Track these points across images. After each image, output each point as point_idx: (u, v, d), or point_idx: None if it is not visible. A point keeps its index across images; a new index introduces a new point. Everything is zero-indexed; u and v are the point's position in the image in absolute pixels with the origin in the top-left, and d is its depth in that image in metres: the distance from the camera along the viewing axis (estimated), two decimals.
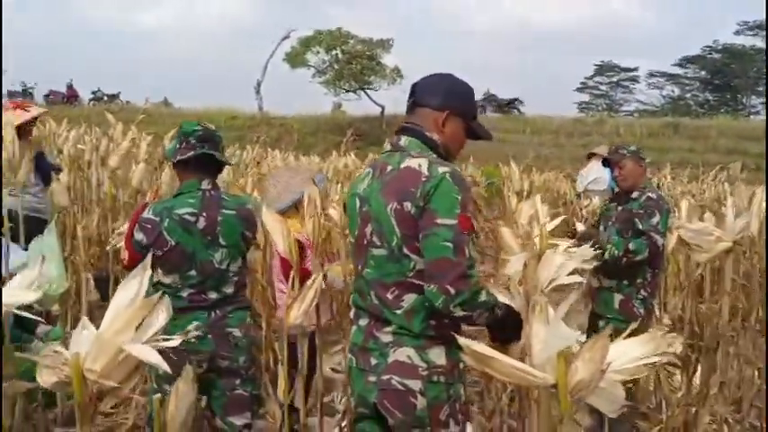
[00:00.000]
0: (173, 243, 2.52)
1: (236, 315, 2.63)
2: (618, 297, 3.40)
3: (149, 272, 1.19)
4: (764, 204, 3.65)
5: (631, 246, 3.27)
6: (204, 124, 2.74)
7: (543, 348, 1.22)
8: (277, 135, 22.70)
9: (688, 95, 46.09)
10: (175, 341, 1.14)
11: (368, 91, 26.11)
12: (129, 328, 1.09)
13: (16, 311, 1.98)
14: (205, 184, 2.62)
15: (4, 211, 3.46)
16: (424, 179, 1.81)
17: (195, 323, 2.52)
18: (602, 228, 3.58)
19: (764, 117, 24.23)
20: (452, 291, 1.75)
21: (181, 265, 2.55)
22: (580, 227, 3.19)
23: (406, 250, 1.84)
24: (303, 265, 2.64)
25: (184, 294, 2.56)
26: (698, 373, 3.19)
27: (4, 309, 1.78)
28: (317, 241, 2.51)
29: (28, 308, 2.22)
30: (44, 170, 3.77)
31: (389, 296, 1.87)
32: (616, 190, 4.04)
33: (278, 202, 3.27)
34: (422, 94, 1.98)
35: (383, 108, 25.45)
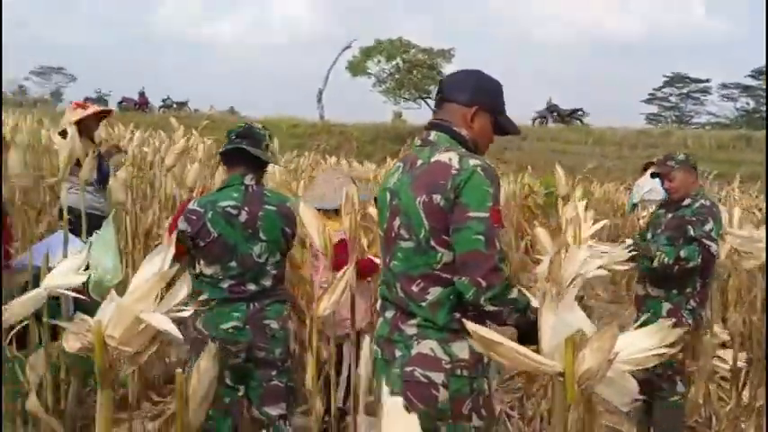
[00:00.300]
0: (215, 234, 2.62)
1: (273, 308, 2.71)
2: (666, 306, 3.32)
3: (173, 249, 1.25)
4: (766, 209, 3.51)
5: (683, 253, 3.18)
6: (251, 124, 2.85)
7: (552, 336, 1.22)
8: (337, 143, 23.03)
9: (764, 108, 44.15)
10: (188, 311, 1.19)
11: (428, 100, 26.20)
12: (148, 298, 1.15)
13: (74, 294, 2.09)
14: (248, 180, 2.72)
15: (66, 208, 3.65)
16: (454, 172, 1.82)
17: (235, 315, 2.63)
18: (649, 235, 3.49)
19: None
20: (484, 283, 1.76)
21: (222, 256, 2.65)
22: (629, 241, 3.13)
23: (433, 243, 1.85)
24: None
25: (225, 285, 2.66)
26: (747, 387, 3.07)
27: (52, 291, 1.89)
28: (353, 237, 2.56)
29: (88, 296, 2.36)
30: (103, 171, 3.96)
31: (415, 288, 1.88)
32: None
33: (322, 200, 3.35)
34: (450, 90, 2.00)
35: None
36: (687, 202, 3.32)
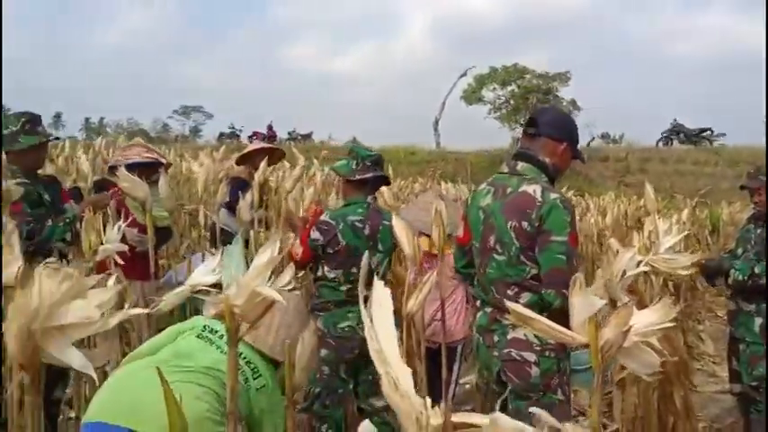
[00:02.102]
0: (343, 244, 3.09)
1: None
2: (758, 320, 3.34)
3: (279, 244, 1.65)
4: None
5: (757, 269, 3.21)
6: (372, 151, 3.35)
7: (579, 314, 1.48)
8: (453, 169, 23.34)
9: None
10: (290, 284, 1.56)
11: None
12: (263, 276, 1.55)
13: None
14: (370, 199, 3.21)
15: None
16: (538, 204, 2.26)
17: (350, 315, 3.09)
18: (739, 251, 3.52)
19: None
20: (567, 293, 2.09)
21: (346, 263, 3.08)
22: (703, 260, 3.24)
23: (522, 258, 2.30)
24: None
25: (343, 289, 3.11)
26: None
27: (194, 287, 2.38)
28: (441, 248, 2.89)
29: None
30: (232, 195, 4.54)
31: (510, 293, 2.31)
32: None
33: (415, 221, 3.71)
34: (546, 126, 2.43)
35: None
36: None
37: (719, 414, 4.40)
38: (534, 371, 2.27)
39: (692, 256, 2.48)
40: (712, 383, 4.99)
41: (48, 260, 2.02)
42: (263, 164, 4.92)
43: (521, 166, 2.40)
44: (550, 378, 2.28)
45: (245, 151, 4.85)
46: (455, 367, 3.93)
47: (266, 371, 2.04)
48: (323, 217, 3.20)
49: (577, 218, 6.47)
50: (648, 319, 1.44)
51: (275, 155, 4.91)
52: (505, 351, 2.31)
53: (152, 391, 1.44)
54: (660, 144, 25.21)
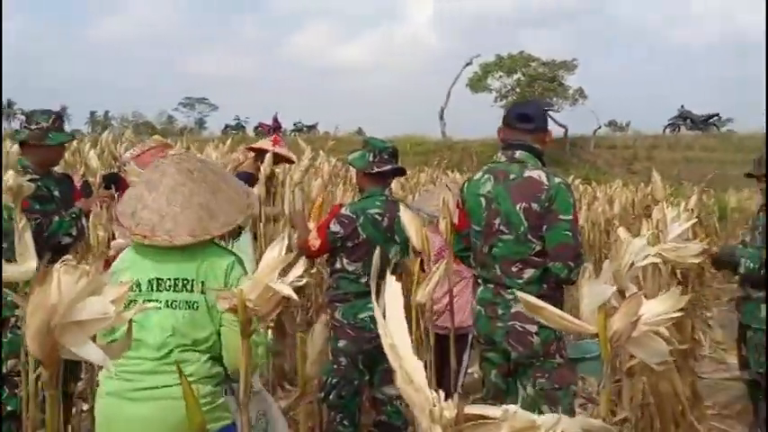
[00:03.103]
0: (363, 236, 3.13)
1: None
2: (765, 308, 3.34)
3: (287, 241, 1.66)
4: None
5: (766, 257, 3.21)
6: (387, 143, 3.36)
7: (588, 303, 1.50)
8: (459, 158, 23.33)
9: None
10: (302, 280, 1.58)
11: (550, 112, 25.89)
12: (274, 272, 1.56)
13: None
14: (387, 191, 3.24)
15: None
16: (545, 187, 2.56)
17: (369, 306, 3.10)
18: (748, 239, 3.52)
19: None
20: (572, 264, 2.48)
21: (366, 255, 3.11)
22: (715, 249, 3.24)
23: (530, 236, 2.55)
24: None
25: (363, 280, 3.14)
26: None
27: None
28: (448, 238, 2.91)
29: None
30: None
31: (514, 269, 2.58)
32: None
33: (425, 208, 3.73)
34: (541, 120, 2.80)
35: (566, 129, 25.05)
36: None
37: (728, 401, 4.41)
38: (536, 340, 2.54)
39: (702, 244, 2.48)
40: (721, 370, 5.00)
41: (61, 256, 2.04)
42: (268, 156, 4.93)
43: (519, 154, 2.65)
44: (550, 345, 2.56)
45: (261, 147, 4.77)
46: (465, 356, 3.96)
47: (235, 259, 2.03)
48: (343, 210, 3.23)
49: (585, 207, 6.47)
50: (658, 309, 1.45)
51: (284, 160, 4.88)
52: (510, 323, 2.57)
53: None
54: (667, 131, 25.09)
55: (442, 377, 3.43)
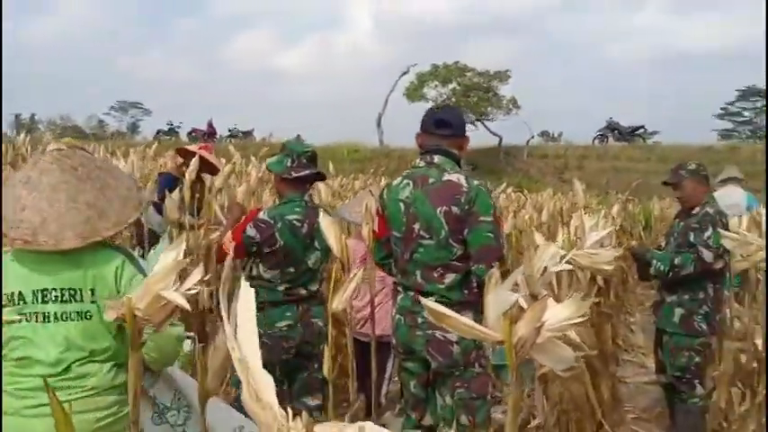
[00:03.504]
0: (281, 243, 3.00)
1: (318, 308, 3.07)
2: (679, 311, 3.43)
3: (184, 245, 1.57)
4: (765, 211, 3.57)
5: (677, 260, 3.31)
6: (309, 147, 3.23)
7: (494, 310, 1.46)
8: (396, 166, 23.40)
9: None
10: (196, 288, 1.49)
11: (485, 122, 26.35)
12: (167, 279, 1.46)
13: None
14: (306, 196, 3.12)
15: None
16: (465, 189, 2.51)
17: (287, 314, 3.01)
18: (663, 243, 3.62)
19: None
20: (495, 266, 2.35)
21: (283, 262, 3.01)
22: (633, 243, 3.32)
23: (451, 240, 2.51)
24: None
25: (281, 288, 3.03)
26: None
27: None
28: (370, 245, 2.86)
29: None
30: (160, 193, 4.38)
31: (435, 274, 2.54)
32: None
33: (351, 214, 3.67)
34: (458, 126, 2.75)
35: (501, 138, 25.55)
36: (696, 210, 3.42)
37: (648, 404, 4.52)
38: (456, 349, 2.50)
39: (616, 251, 2.51)
40: (642, 374, 5.13)
41: None
42: (194, 160, 4.77)
43: (437, 158, 2.61)
44: (470, 354, 2.53)
45: (191, 148, 4.63)
46: (389, 364, 3.92)
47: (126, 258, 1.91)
48: (260, 215, 3.09)
49: (512, 213, 6.55)
50: (561, 315, 1.43)
51: (210, 168, 4.75)
52: (430, 332, 2.52)
53: None
54: (596, 142, 25.91)
55: (364, 386, 3.37)
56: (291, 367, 3.07)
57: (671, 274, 3.32)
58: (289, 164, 3.06)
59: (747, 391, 3.23)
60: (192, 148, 4.70)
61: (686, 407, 3.46)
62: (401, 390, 2.88)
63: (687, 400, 3.45)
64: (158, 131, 27.87)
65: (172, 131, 27.31)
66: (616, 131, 25.57)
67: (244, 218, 3.27)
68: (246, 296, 0.65)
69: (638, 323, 6.79)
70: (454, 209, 2.50)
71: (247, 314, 0.64)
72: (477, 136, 27.38)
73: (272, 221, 3.00)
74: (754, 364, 3.08)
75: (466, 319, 1.49)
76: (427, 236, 2.55)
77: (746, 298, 3.78)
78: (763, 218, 3.22)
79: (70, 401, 1.75)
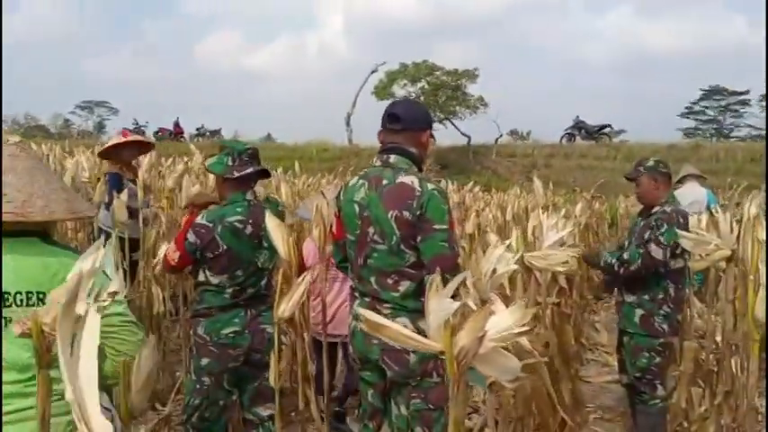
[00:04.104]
0: (224, 247, 2.86)
1: (268, 314, 2.93)
2: (639, 312, 3.39)
3: (103, 251, 1.44)
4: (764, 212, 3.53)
5: (625, 255, 3.28)
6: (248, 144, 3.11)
7: (434, 318, 1.36)
8: (365, 165, 23.23)
9: None
10: (107, 302, 1.36)
11: (454, 121, 26.38)
12: (81, 289, 1.33)
13: None
14: (249, 195, 2.96)
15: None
16: (417, 194, 2.35)
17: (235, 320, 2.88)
18: (626, 243, 3.58)
19: None
20: (451, 276, 2.19)
21: (229, 267, 2.87)
22: (584, 251, 3.28)
23: (403, 247, 2.37)
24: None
25: (228, 293, 2.89)
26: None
27: None
28: (322, 246, 2.75)
29: None
30: (110, 194, 4.22)
31: (389, 281, 2.40)
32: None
33: (306, 214, 3.57)
34: (409, 120, 2.51)
35: (469, 138, 25.60)
36: (656, 209, 3.38)
37: (611, 404, 4.49)
38: (412, 358, 2.37)
39: (571, 251, 2.45)
40: (605, 373, 5.10)
41: None
42: (147, 160, 4.61)
43: (393, 158, 2.46)
44: (427, 363, 2.39)
45: (107, 145, 4.53)
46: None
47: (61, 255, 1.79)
48: (199, 219, 2.94)
49: (475, 213, 6.48)
50: (504, 324, 1.34)
51: (145, 147, 4.62)
52: (385, 340, 2.31)
53: None
54: (564, 140, 26.09)
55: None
56: (241, 376, 2.95)
57: (621, 270, 3.28)
58: (230, 163, 2.92)
59: (707, 391, 3.19)
60: (115, 140, 4.58)
61: (646, 408, 3.41)
62: (359, 400, 2.78)
63: (648, 402, 3.40)
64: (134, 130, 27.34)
65: (137, 130, 26.79)
66: (583, 130, 25.74)
67: (184, 224, 3.13)
68: (91, 323, 0.54)
69: (602, 322, 6.79)
70: (405, 213, 2.35)
71: (89, 347, 0.52)
72: (447, 135, 27.50)
73: (211, 225, 2.86)
74: (714, 363, 3.04)
75: (404, 329, 1.39)
76: (381, 241, 2.40)
77: (707, 296, 3.76)
78: (764, 218, 3.18)
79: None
